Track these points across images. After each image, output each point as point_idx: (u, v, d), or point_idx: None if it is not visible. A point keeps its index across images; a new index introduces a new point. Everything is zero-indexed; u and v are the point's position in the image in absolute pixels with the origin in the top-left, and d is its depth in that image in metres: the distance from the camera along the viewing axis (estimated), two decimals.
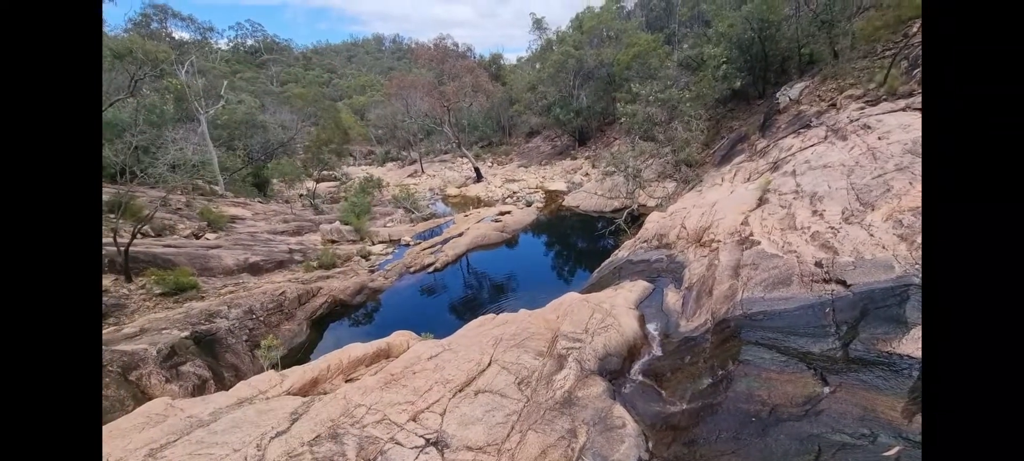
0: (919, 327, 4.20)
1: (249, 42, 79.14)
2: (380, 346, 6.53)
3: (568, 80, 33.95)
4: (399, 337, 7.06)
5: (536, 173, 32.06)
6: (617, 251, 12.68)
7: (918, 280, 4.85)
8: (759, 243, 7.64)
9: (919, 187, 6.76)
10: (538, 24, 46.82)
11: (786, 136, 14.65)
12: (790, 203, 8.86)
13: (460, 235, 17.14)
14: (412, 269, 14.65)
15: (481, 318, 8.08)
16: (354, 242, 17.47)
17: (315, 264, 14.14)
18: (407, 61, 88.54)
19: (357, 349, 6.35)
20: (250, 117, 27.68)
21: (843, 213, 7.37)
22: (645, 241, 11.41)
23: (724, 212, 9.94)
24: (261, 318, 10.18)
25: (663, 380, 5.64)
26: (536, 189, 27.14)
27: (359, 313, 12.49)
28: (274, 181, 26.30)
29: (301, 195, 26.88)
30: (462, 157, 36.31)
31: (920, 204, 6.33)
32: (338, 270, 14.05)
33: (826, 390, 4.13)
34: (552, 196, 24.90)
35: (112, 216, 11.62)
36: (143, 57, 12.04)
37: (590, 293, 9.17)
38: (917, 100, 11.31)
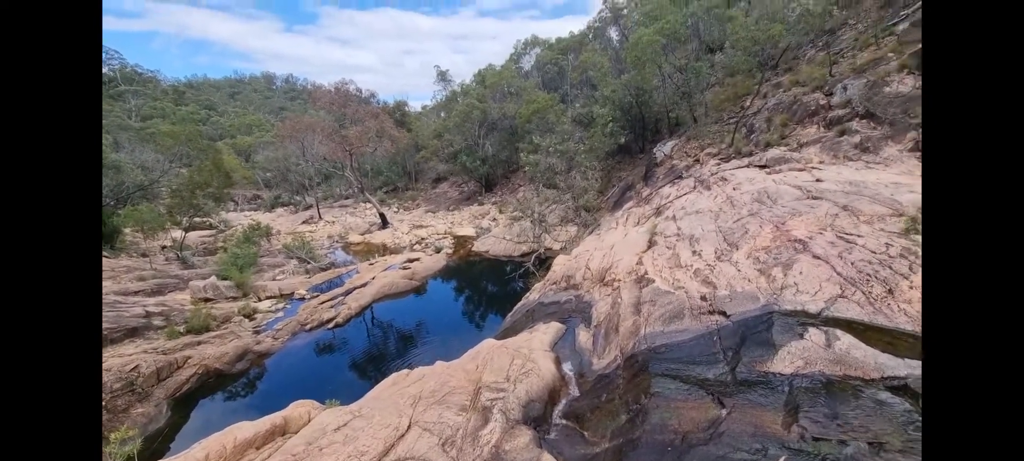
0: (785, 348, 5.00)
1: (104, 70, 67.60)
2: (275, 421, 5.60)
3: (473, 129, 35.23)
4: (298, 408, 6.15)
5: (444, 218, 31.89)
6: (528, 294, 12.99)
7: (778, 308, 5.83)
8: (653, 281, 8.50)
9: (767, 230, 8.28)
10: (443, 76, 48.42)
11: (664, 185, 16.94)
12: (674, 244, 10.11)
13: (364, 285, 16.02)
14: (308, 326, 13.15)
15: (394, 376, 7.52)
16: (235, 299, 15.17)
17: (182, 328, 11.89)
18: (302, 102, 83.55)
19: (245, 428, 5.36)
20: None
21: (716, 252, 8.64)
22: (554, 283, 11.91)
23: (621, 253, 10.92)
24: (103, 403, 8.09)
25: (584, 421, 5.77)
26: (445, 235, 26.88)
27: (240, 384, 10.67)
28: (126, 231, 21.88)
29: (164, 247, 22.77)
30: (365, 203, 34.63)
31: (770, 244, 7.73)
32: (213, 334, 11.98)
33: (723, 412, 4.62)
34: (461, 242, 24.86)
35: None
36: None
37: (506, 338, 9.15)
38: (756, 158, 14.08)
